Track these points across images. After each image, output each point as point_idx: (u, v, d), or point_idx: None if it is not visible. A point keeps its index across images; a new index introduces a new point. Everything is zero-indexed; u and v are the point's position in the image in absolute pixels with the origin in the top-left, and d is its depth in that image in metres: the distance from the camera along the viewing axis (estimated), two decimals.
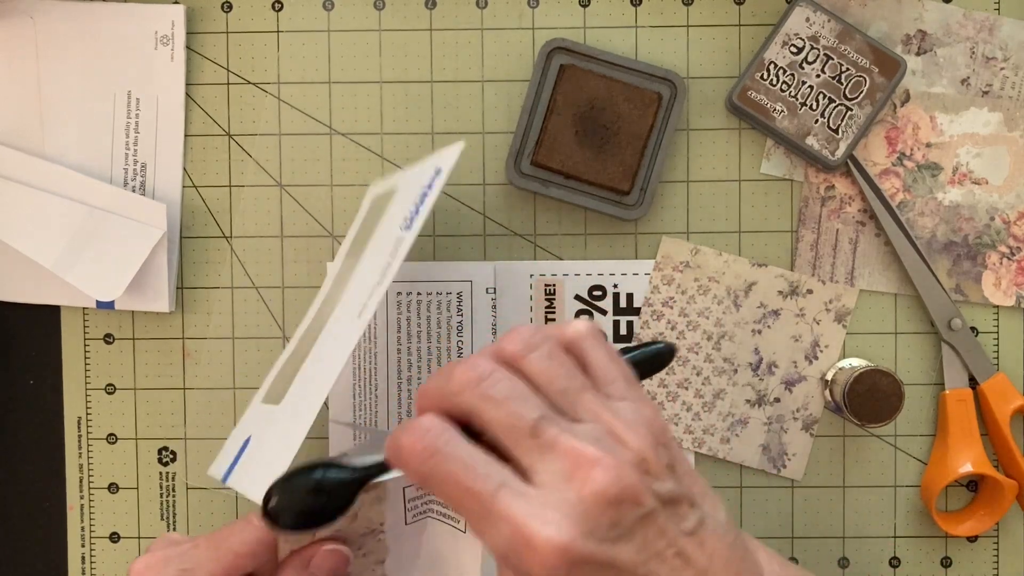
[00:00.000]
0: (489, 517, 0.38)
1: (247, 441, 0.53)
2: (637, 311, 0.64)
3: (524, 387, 0.40)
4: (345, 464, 0.43)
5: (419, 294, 0.64)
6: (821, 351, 0.64)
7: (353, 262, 0.55)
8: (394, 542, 0.49)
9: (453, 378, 0.41)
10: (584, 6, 0.64)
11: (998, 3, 0.63)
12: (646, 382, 0.64)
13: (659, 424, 0.41)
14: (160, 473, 0.66)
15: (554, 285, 0.64)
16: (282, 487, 0.42)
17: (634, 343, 0.63)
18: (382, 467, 0.43)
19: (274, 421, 0.52)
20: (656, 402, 0.64)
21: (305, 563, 0.46)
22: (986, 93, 0.63)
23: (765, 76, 0.62)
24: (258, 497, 0.45)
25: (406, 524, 0.49)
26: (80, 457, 0.66)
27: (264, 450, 0.51)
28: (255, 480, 0.49)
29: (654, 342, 0.49)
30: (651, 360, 0.48)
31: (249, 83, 0.65)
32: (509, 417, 0.39)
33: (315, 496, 0.42)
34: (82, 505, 0.66)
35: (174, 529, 0.66)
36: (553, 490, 0.38)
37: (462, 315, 0.64)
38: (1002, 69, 0.63)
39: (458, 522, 0.49)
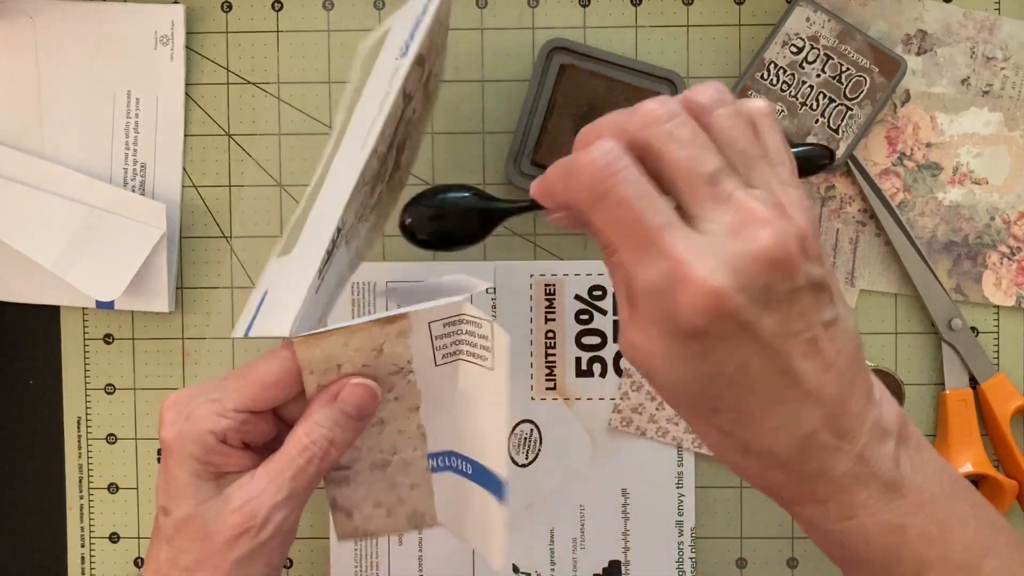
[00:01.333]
0: (651, 248, 0.39)
1: (264, 295, 0.52)
2: None
3: (707, 138, 0.41)
4: (481, 193, 0.46)
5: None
6: None
7: (350, 113, 0.53)
8: (425, 386, 0.49)
9: (639, 111, 0.41)
10: (584, 6, 0.64)
11: (998, 3, 0.63)
12: (645, 381, 0.64)
13: (816, 217, 0.43)
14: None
15: (554, 285, 0.64)
16: (411, 208, 0.47)
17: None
18: (531, 204, 0.45)
19: (290, 269, 0.52)
20: (656, 402, 0.64)
21: (332, 396, 0.47)
22: (986, 93, 0.63)
23: (765, 76, 0.62)
24: (282, 332, 0.46)
25: (436, 365, 0.49)
26: (80, 457, 0.66)
27: (281, 291, 0.50)
28: (276, 322, 0.48)
29: (816, 144, 0.50)
30: (810, 160, 0.49)
31: (249, 83, 0.65)
32: (691, 160, 0.40)
33: (439, 221, 0.47)
34: (82, 505, 0.66)
35: None
36: (720, 239, 0.39)
37: None
38: (1002, 69, 0.63)
39: (486, 360, 0.49)
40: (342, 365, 0.47)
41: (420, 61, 0.48)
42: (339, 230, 0.48)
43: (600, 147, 0.40)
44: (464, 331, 0.49)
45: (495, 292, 0.64)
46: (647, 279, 0.39)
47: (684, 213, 0.40)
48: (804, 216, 0.40)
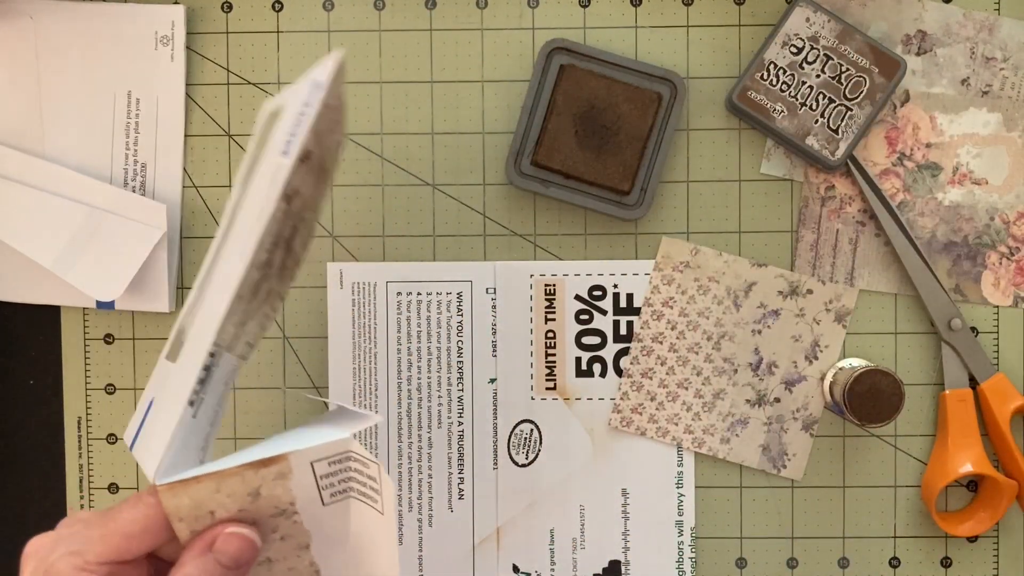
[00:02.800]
0: None
1: (151, 404, 0.49)
2: (637, 311, 0.64)
3: None
4: None
5: (419, 294, 0.64)
6: (821, 351, 0.64)
7: (241, 192, 0.50)
8: (315, 525, 0.47)
9: None
10: (584, 6, 0.64)
11: (998, 3, 0.63)
12: (645, 381, 0.64)
13: None
14: None
15: (554, 285, 0.64)
16: None
17: None
18: None
19: (172, 380, 0.49)
20: (656, 402, 0.64)
21: (207, 546, 0.44)
22: (986, 93, 0.63)
23: (765, 76, 0.62)
24: (150, 471, 0.43)
25: (324, 504, 0.46)
26: (80, 457, 0.66)
27: (159, 414, 0.47)
28: (150, 450, 0.46)
29: None
30: None
31: (249, 83, 0.65)
32: None
33: None
34: (82, 505, 0.66)
35: None
36: None
37: (462, 315, 0.64)
38: (1002, 69, 0.63)
39: (376, 502, 0.46)
40: (215, 511, 0.44)
41: (306, 156, 0.46)
42: (212, 355, 0.45)
43: None
44: (352, 468, 0.46)
45: (495, 292, 0.64)
46: None
47: None
48: None
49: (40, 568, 0.43)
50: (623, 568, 0.65)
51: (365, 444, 0.65)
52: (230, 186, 0.65)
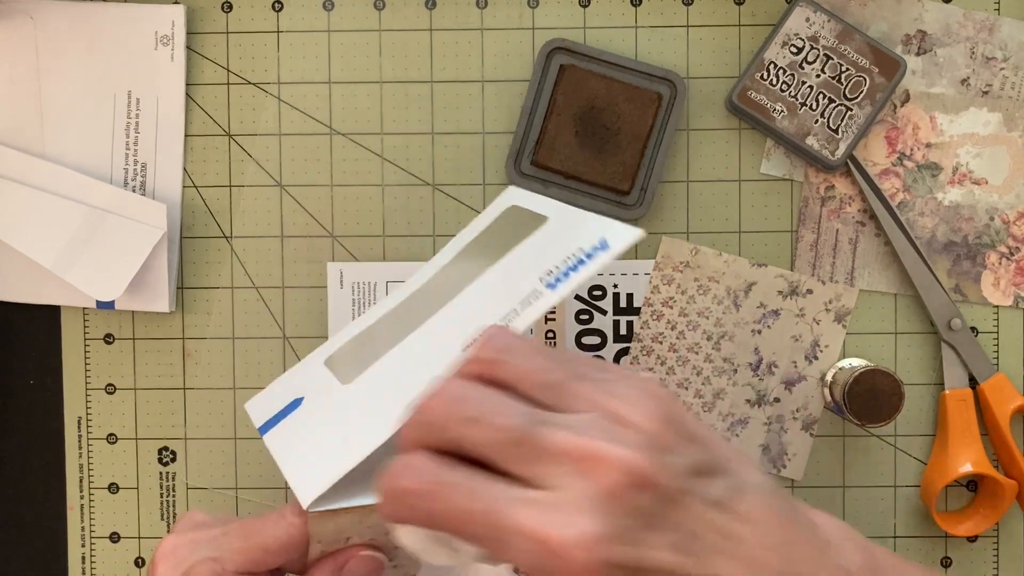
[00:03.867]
0: (506, 537, 0.35)
1: (298, 401, 0.50)
2: (637, 311, 0.64)
3: (500, 397, 0.37)
4: None
5: None
6: (821, 351, 0.64)
7: (475, 266, 0.50)
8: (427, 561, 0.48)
9: (427, 413, 0.38)
10: (584, 6, 0.64)
11: (998, 3, 0.63)
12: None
13: (664, 394, 0.38)
14: (160, 473, 0.66)
15: None
16: None
17: None
18: None
19: (338, 402, 0.50)
20: None
21: (339, 567, 0.45)
22: (986, 93, 0.63)
23: (765, 76, 0.62)
24: (301, 486, 0.44)
25: None
26: (80, 457, 0.66)
27: (318, 429, 0.48)
28: (301, 459, 0.47)
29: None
30: None
31: (249, 83, 0.65)
32: (493, 433, 0.36)
33: None
34: (82, 505, 0.66)
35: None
36: (565, 492, 0.35)
37: None
38: (1002, 69, 0.63)
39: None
40: (351, 538, 0.46)
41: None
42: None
43: (409, 466, 0.37)
44: None
45: None
46: (525, 565, 0.36)
47: (521, 481, 0.37)
48: (648, 410, 0.37)
49: (178, 569, 0.44)
50: None
51: None
52: (230, 186, 0.65)
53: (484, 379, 0.38)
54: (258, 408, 0.54)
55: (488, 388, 0.38)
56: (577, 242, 0.46)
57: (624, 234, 0.45)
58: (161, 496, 0.66)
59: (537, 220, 0.51)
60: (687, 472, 0.37)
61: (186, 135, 0.65)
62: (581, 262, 0.45)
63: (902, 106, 0.63)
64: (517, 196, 0.56)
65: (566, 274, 0.45)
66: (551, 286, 0.45)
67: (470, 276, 0.50)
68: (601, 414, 0.37)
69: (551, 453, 0.36)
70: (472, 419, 0.37)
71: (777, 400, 0.64)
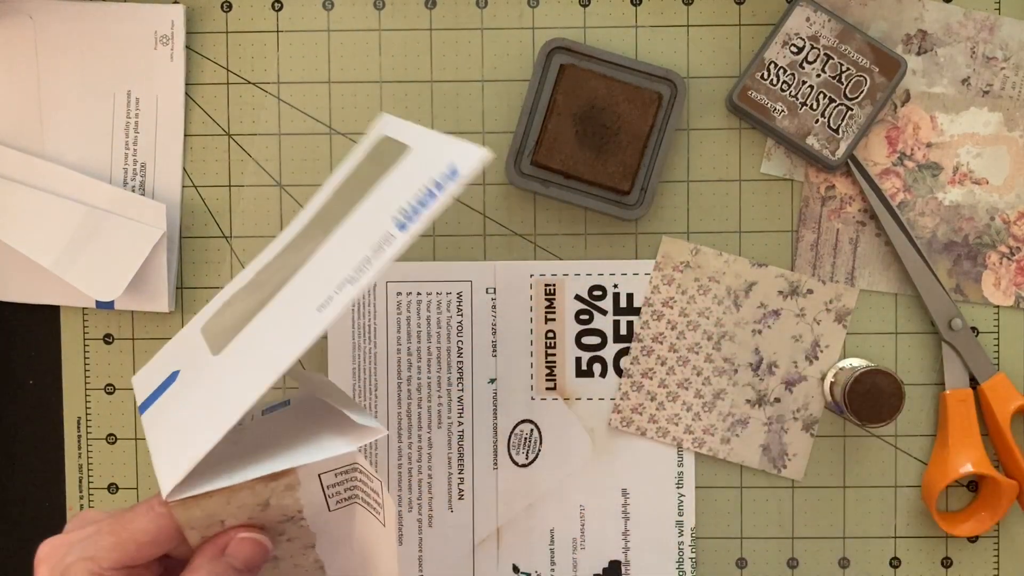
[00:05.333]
0: None
1: (175, 374, 0.49)
2: (637, 311, 0.64)
3: None
4: None
5: (419, 294, 0.64)
6: (821, 351, 0.64)
7: (333, 216, 0.49)
8: (320, 527, 0.48)
9: None
10: (584, 6, 0.64)
11: (998, 3, 0.63)
12: (645, 381, 0.64)
13: None
14: None
15: (554, 285, 0.64)
16: None
17: None
18: None
19: (206, 375, 0.48)
20: (656, 402, 0.64)
21: (219, 551, 0.45)
22: (986, 93, 0.63)
23: (765, 76, 0.62)
24: (162, 474, 0.43)
25: (330, 510, 0.48)
26: (80, 457, 0.66)
27: (186, 406, 0.47)
28: (167, 442, 0.46)
29: None
30: None
31: (249, 83, 0.65)
32: None
33: None
34: (82, 505, 0.66)
35: None
36: None
37: (462, 315, 0.64)
38: (1002, 69, 0.63)
39: (379, 514, 0.47)
40: (225, 520, 0.45)
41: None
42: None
43: None
44: (358, 479, 0.48)
45: (495, 292, 0.64)
46: None
47: None
48: None
49: (56, 571, 0.44)
50: (623, 568, 0.65)
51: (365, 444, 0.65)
52: (229, 186, 0.65)
53: None
54: (142, 382, 0.52)
55: None
56: (428, 172, 0.44)
57: (472, 156, 0.43)
58: None
59: (400, 151, 0.48)
60: None
61: (186, 135, 0.65)
62: (431, 195, 0.43)
63: (902, 106, 0.63)
64: (388, 125, 0.52)
65: (416, 211, 0.43)
66: (402, 227, 0.43)
67: (335, 224, 0.48)
68: None
69: None
70: None
71: (777, 400, 0.64)
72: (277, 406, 0.52)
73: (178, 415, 0.47)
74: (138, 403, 0.50)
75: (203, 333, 0.51)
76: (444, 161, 0.44)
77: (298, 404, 0.52)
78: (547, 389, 0.64)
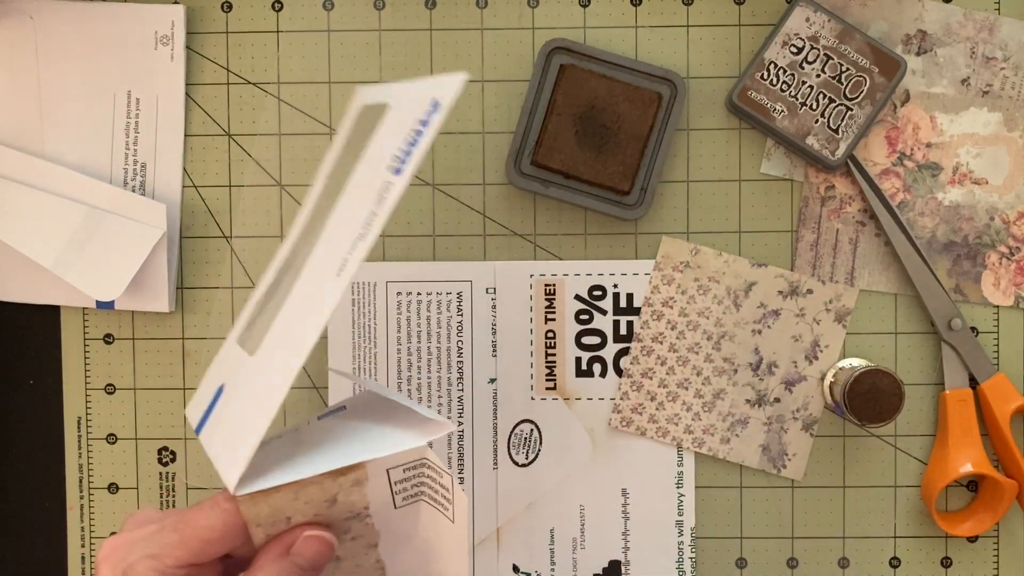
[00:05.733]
0: None
1: (221, 389, 0.49)
2: (637, 311, 0.64)
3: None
4: None
5: (419, 294, 0.64)
6: (821, 351, 0.64)
7: (335, 191, 0.49)
8: (384, 525, 0.47)
9: None
10: (584, 6, 0.64)
11: (998, 3, 0.63)
12: (645, 381, 0.64)
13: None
14: (160, 473, 0.66)
15: (554, 285, 0.64)
16: None
17: None
18: None
19: (247, 375, 0.48)
20: (656, 402, 0.64)
21: (285, 549, 0.44)
22: (986, 93, 0.63)
23: (765, 76, 0.62)
24: (224, 471, 0.43)
25: (395, 508, 0.47)
26: (80, 457, 0.66)
27: (235, 410, 0.47)
28: (224, 446, 0.46)
29: None
30: None
31: (249, 83, 0.65)
32: None
33: None
34: (82, 505, 0.66)
35: None
36: None
37: (462, 315, 0.64)
38: (1002, 69, 0.63)
39: (447, 510, 0.47)
40: (292, 517, 0.44)
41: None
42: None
43: None
44: (425, 475, 0.47)
45: (495, 292, 0.64)
46: None
47: None
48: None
49: (118, 569, 0.43)
50: (623, 568, 0.65)
51: None
52: (230, 186, 0.65)
53: None
54: (194, 409, 0.53)
55: None
56: (413, 115, 0.44)
57: (449, 85, 0.43)
58: (161, 496, 0.66)
59: (381, 110, 0.48)
60: None
61: (186, 135, 0.65)
62: (419, 133, 0.43)
63: (902, 106, 0.63)
64: (365, 95, 0.52)
65: (408, 153, 0.43)
66: (398, 171, 0.43)
67: (335, 197, 0.48)
68: None
69: None
70: None
71: (777, 400, 0.64)
72: (333, 411, 0.52)
73: (229, 419, 0.47)
74: (193, 427, 0.50)
75: (240, 343, 0.51)
76: (425, 99, 0.44)
77: (355, 407, 0.52)
78: (547, 389, 0.64)
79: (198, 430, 0.49)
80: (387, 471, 0.46)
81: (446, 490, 0.46)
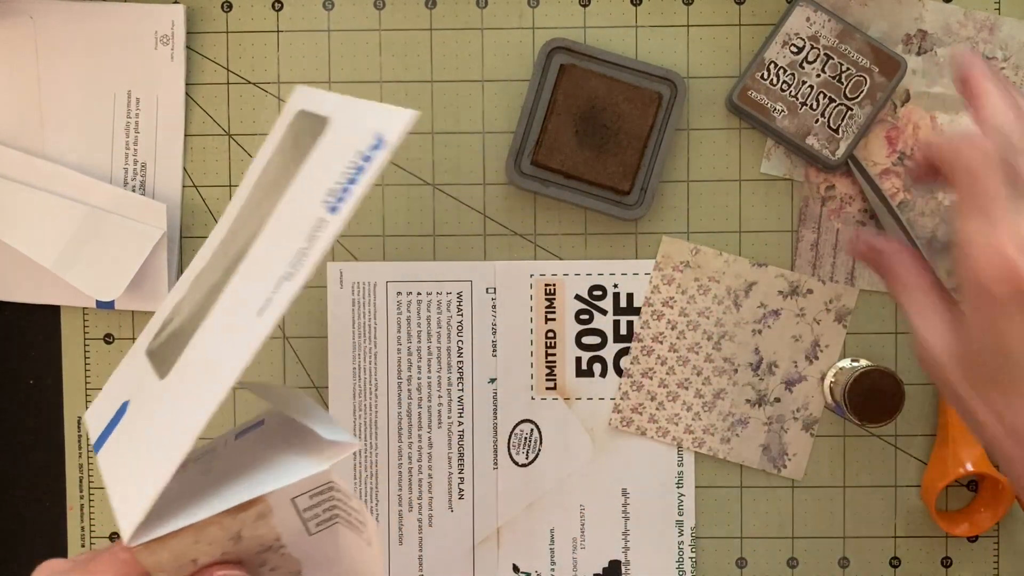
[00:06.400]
0: (980, 212, 0.44)
1: (125, 405, 0.46)
2: (637, 311, 0.64)
3: None
4: None
5: (419, 294, 0.64)
6: (821, 351, 0.64)
7: (261, 209, 0.45)
8: (303, 553, 0.45)
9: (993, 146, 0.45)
10: (584, 6, 0.64)
11: (998, 3, 0.63)
12: (645, 381, 0.64)
13: None
14: None
15: (554, 285, 0.64)
16: None
17: None
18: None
19: (154, 400, 0.45)
20: (656, 402, 0.64)
21: None
22: None
23: (765, 76, 0.62)
24: (120, 518, 0.41)
25: (310, 535, 0.45)
26: (80, 457, 0.66)
27: (137, 441, 0.44)
28: (121, 482, 0.43)
29: None
30: None
31: (249, 83, 0.65)
32: None
33: None
34: (82, 505, 0.66)
35: None
36: None
37: (462, 315, 0.64)
38: (1002, 69, 0.63)
39: (362, 534, 0.45)
40: (197, 559, 0.42)
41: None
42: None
43: (983, 143, 0.45)
44: (336, 498, 0.45)
45: (495, 292, 0.64)
46: (964, 230, 0.44)
47: None
48: None
49: None
50: (623, 568, 0.65)
51: (365, 443, 0.65)
52: (230, 186, 0.65)
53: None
54: (93, 419, 0.49)
55: None
56: (353, 146, 0.41)
57: (397, 121, 0.40)
58: None
59: (320, 126, 0.45)
60: None
61: (186, 135, 0.65)
62: (360, 170, 0.40)
63: (902, 106, 0.63)
64: (304, 97, 0.48)
65: (346, 190, 0.40)
66: (334, 210, 0.40)
67: (264, 217, 0.45)
68: None
69: None
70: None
71: (777, 400, 0.64)
72: (251, 427, 0.49)
73: (131, 451, 0.44)
74: (91, 442, 0.47)
75: (148, 356, 0.48)
76: (368, 131, 0.41)
77: (271, 423, 0.49)
78: (547, 389, 0.64)
79: (97, 447, 0.46)
80: (292, 500, 0.43)
81: (358, 512, 0.45)
